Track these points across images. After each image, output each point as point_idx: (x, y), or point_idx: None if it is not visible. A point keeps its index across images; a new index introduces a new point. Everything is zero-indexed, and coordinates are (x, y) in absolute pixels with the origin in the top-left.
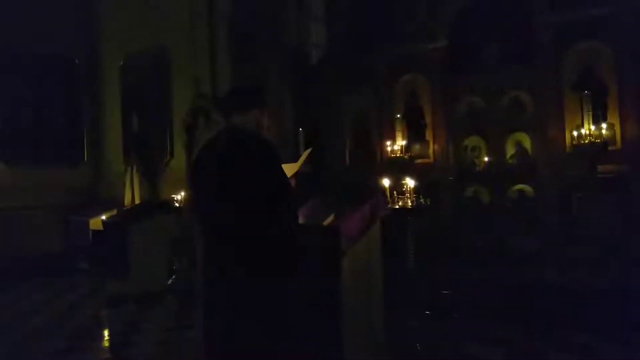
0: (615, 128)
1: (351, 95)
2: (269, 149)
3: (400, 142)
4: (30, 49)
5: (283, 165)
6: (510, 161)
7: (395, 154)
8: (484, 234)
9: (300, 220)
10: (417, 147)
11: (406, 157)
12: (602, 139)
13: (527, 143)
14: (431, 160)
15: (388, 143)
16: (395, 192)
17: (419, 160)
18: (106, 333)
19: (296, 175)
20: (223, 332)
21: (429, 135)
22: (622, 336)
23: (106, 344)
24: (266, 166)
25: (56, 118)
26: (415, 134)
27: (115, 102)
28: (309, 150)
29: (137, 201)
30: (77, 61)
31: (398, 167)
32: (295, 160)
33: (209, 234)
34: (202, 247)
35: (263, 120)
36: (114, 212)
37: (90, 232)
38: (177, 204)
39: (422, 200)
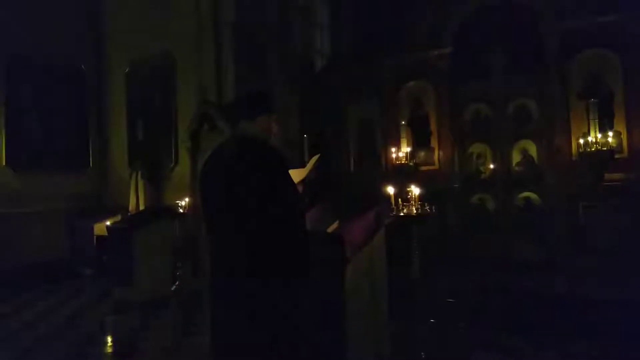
0: (622, 136)
1: (356, 102)
2: (278, 155)
3: (405, 149)
4: (36, 56)
5: (290, 171)
6: (516, 169)
7: (400, 160)
8: (490, 242)
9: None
10: (422, 154)
11: (411, 164)
12: (608, 147)
13: (533, 150)
14: (436, 167)
15: (393, 150)
16: (400, 200)
17: (424, 167)
18: (111, 339)
19: (304, 181)
20: (232, 338)
21: (434, 142)
22: (632, 347)
23: (111, 350)
24: (275, 172)
25: (62, 124)
26: (420, 141)
27: (121, 108)
28: (317, 157)
29: (141, 207)
30: (83, 67)
31: (403, 174)
32: (301, 167)
33: (217, 240)
34: (209, 253)
35: (271, 127)
36: (119, 217)
37: (95, 238)
38: (181, 210)
39: (427, 207)
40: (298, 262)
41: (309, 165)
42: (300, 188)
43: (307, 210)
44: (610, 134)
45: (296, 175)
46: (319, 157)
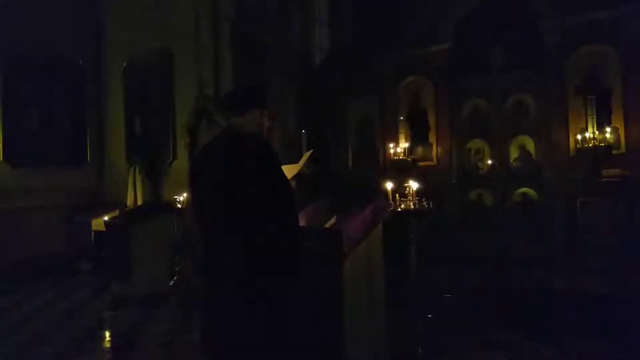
0: (620, 132)
1: (355, 97)
2: (267, 149)
3: (404, 145)
4: (34, 50)
5: (284, 167)
6: (514, 164)
7: (398, 156)
8: (487, 238)
9: (302, 223)
10: (420, 150)
11: (409, 159)
12: (606, 143)
13: (530, 146)
14: (434, 162)
15: (391, 145)
16: (397, 195)
17: (422, 163)
18: (109, 334)
19: (297, 176)
20: (222, 335)
21: (432, 138)
22: (629, 343)
23: (109, 345)
24: (263, 167)
25: (60, 119)
26: (418, 137)
27: (119, 103)
28: (310, 152)
29: (139, 202)
30: (80, 62)
31: (401, 169)
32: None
33: (206, 236)
34: (200, 249)
35: (263, 121)
36: (117, 213)
37: (93, 233)
38: (179, 205)
39: (424, 203)
40: (289, 257)
41: (302, 161)
42: (293, 184)
43: (303, 205)
44: (608, 129)
45: (289, 170)
46: (312, 153)
